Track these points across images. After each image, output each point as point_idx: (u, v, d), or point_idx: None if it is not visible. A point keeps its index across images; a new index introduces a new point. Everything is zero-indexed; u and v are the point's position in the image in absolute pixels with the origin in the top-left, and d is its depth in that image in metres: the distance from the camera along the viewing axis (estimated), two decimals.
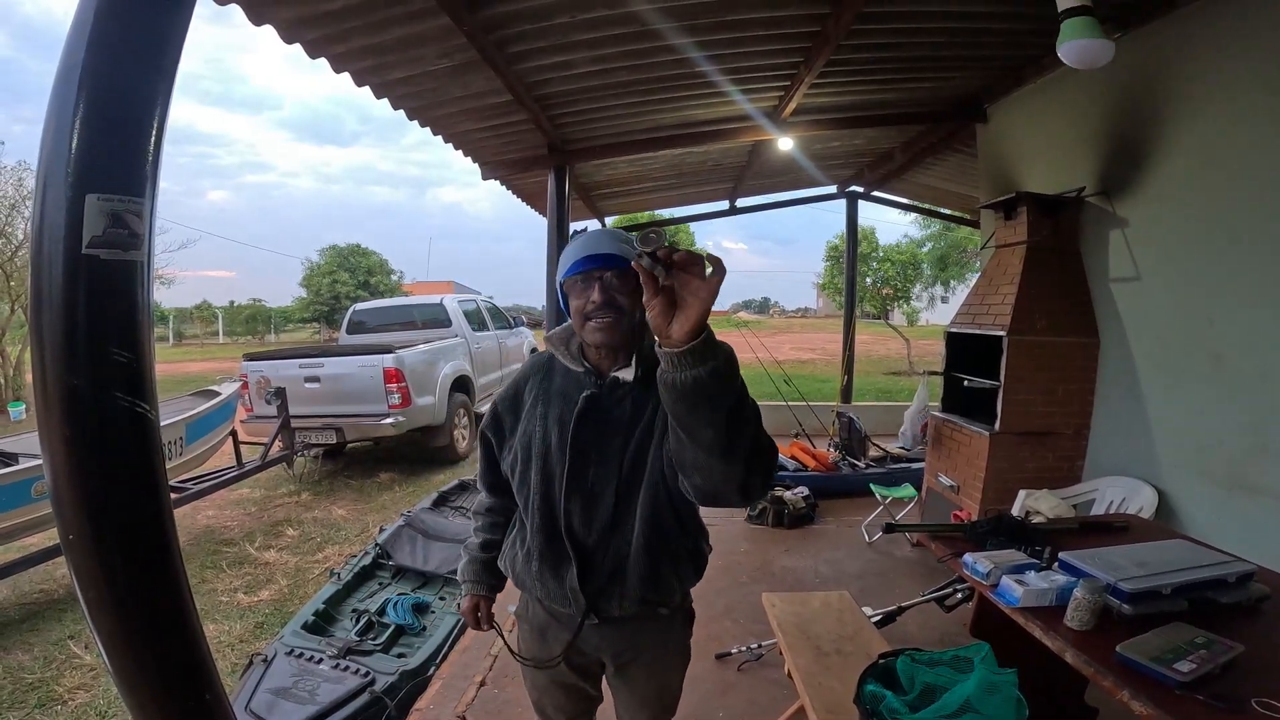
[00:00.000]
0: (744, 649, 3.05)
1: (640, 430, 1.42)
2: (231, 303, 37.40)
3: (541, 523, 1.46)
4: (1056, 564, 1.94)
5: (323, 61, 3.14)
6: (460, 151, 5.02)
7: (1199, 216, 3.07)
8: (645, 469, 1.41)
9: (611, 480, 1.42)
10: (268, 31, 2.75)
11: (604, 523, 1.43)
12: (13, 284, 11.89)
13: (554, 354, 1.54)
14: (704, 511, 1.51)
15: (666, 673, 1.64)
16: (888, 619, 3.12)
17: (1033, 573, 1.89)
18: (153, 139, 1.04)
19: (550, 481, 1.45)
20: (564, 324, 1.52)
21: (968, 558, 2.02)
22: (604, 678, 1.68)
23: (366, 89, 3.52)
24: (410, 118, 4.08)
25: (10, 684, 3.29)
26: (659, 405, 1.40)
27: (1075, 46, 2.70)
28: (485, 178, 5.54)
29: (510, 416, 1.57)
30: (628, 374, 1.43)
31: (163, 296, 29.13)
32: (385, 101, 3.74)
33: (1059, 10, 2.68)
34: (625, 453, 1.42)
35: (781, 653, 2.37)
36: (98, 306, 1.00)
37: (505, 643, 1.69)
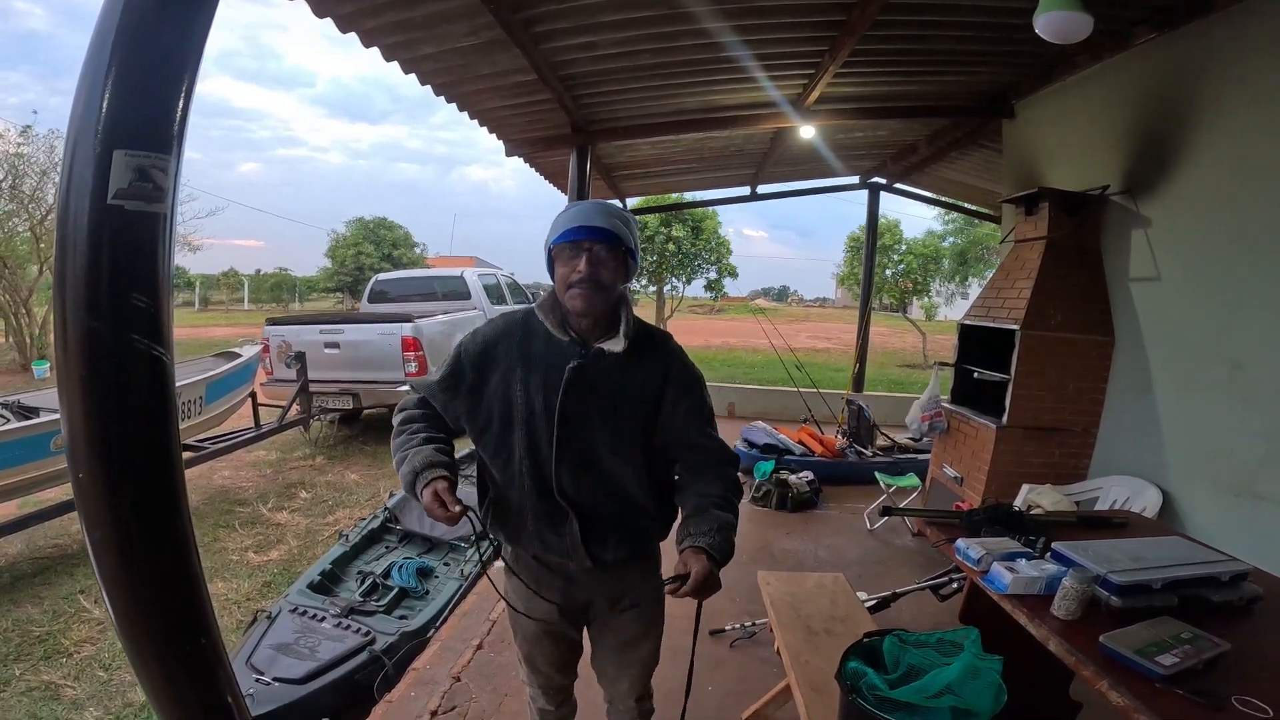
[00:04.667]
0: (738, 626, 3.10)
1: (626, 400, 1.46)
2: (258, 271, 37.70)
3: (532, 485, 1.50)
4: (1049, 554, 1.95)
5: (354, 39, 3.17)
6: (485, 128, 5.04)
7: (1225, 222, 3.03)
8: (631, 436, 1.47)
9: (598, 448, 1.47)
10: (301, 7, 2.79)
11: (591, 485, 1.49)
12: (42, 246, 12.13)
13: (539, 318, 1.52)
14: None
15: (652, 613, 1.72)
16: (882, 604, 3.15)
17: (1024, 561, 1.89)
18: (180, 100, 1.06)
19: (537, 447, 1.48)
20: (551, 290, 1.53)
21: (960, 543, 2.03)
22: (585, 629, 1.76)
23: (396, 65, 3.55)
24: (437, 93, 4.11)
25: (18, 636, 3.38)
26: (646, 377, 1.48)
27: (1052, 19, 2.69)
28: (509, 154, 5.56)
29: (475, 374, 1.53)
30: (615, 345, 1.46)
31: (190, 262, 29.58)
32: (413, 78, 3.77)
33: None
34: (611, 422, 1.46)
35: (772, 630, 2.41)
36: (120, 254, 1.02)
37: (475, 524, 1.52)
